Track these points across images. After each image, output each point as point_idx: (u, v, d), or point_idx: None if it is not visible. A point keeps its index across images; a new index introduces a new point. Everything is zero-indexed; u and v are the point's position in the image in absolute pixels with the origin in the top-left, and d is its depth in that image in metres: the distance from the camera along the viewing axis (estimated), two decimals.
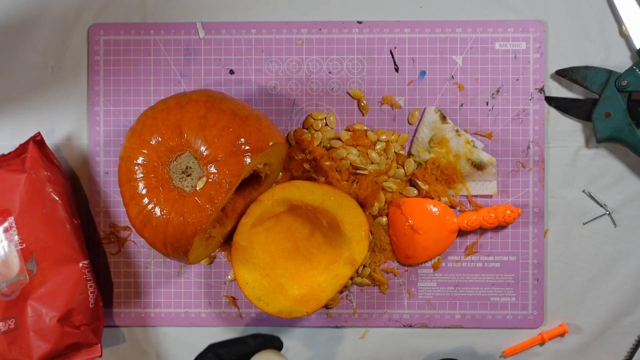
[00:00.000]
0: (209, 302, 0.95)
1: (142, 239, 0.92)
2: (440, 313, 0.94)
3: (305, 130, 0.94)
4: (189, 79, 0.94)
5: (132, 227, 0.91)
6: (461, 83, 0.94)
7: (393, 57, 0.94)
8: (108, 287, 0.95)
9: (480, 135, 0.94)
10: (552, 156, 0.94)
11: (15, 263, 0.87)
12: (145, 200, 0.82)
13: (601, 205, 0.94)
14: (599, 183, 0.94)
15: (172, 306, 0.95)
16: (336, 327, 0.95)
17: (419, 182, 0.92)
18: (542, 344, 0.94)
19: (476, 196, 0.94)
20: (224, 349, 0.77)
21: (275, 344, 0.80)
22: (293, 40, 0.94)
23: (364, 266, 0.93)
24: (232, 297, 0.95)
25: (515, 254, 0.94)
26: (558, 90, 0.94)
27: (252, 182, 0.89)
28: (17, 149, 0.91)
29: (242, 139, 0.81)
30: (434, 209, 0.92)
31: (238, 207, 0.89)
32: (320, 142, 0.93)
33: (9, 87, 0.95)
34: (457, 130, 0.92)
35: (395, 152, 0.93)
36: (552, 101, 0.94)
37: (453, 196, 0.93)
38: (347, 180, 0.92)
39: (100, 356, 0.89)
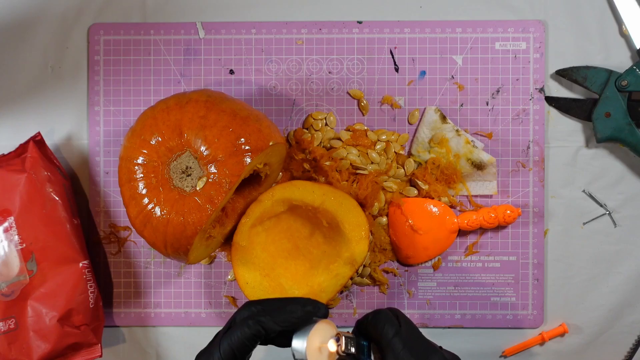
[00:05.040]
0: (209, 302, 0.95)
1: (142, 239, 0.92)
2: (440, 313, 0.94)
3: (305, 130, 0.93)
4: (189, 79, 0.94)
5: (132, 227, 0.91)
6: (461, 83, 0.94)
7: (393, 57, 0.94)
8: (108, 287, 0.95)
9: (480, 135, 0.94)
10: (552, 156, 0.94)
11: (15, 263, 0.87)
12: (145, 200, 0.82)
13: (601, 205, 0.94)
14: (599, 183, 0.94)
15: (172, 306, 0.95)
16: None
17: (419, 182, 0.92)
18: (542, 344, 0.94)
19: (476, 196, 0.94)
20: (267, 317, 0.67)
21: (323, 312, 0.69)
22: (293, 40, 0.94)
23: (364, 266, 0.93)
24: (232, 297, 0.95)
25: (515, 254, 0.94)
26: (558, 90, 0.94)
27: (252, 182, 0.89)
28: (17, 149, 0.91)
29: (242, 139, 0.81)
30: (434, 209, 0.92)
31: (238, 207, 0.89)
32: (320, 142, 0.93)
33: (9, 87, 0.95)
34: (457, 130, 0.92)
35: (395, 152, 0.93)
36: (552, 101, 0.94)
37: (453, 196, 0.93)
38: (347, 180, 0.92)
39: (100, 356, 0.89)
